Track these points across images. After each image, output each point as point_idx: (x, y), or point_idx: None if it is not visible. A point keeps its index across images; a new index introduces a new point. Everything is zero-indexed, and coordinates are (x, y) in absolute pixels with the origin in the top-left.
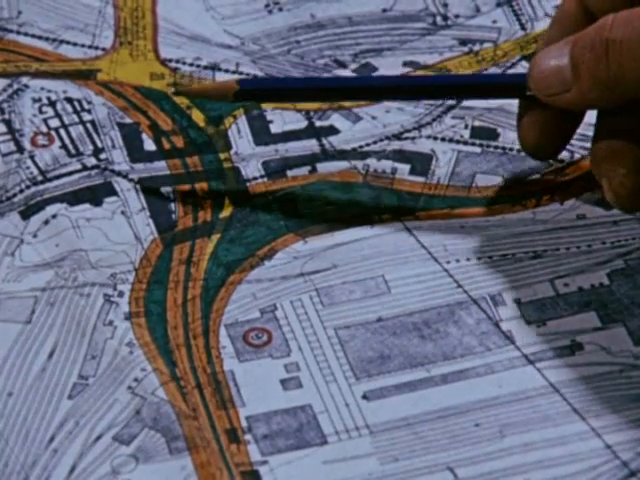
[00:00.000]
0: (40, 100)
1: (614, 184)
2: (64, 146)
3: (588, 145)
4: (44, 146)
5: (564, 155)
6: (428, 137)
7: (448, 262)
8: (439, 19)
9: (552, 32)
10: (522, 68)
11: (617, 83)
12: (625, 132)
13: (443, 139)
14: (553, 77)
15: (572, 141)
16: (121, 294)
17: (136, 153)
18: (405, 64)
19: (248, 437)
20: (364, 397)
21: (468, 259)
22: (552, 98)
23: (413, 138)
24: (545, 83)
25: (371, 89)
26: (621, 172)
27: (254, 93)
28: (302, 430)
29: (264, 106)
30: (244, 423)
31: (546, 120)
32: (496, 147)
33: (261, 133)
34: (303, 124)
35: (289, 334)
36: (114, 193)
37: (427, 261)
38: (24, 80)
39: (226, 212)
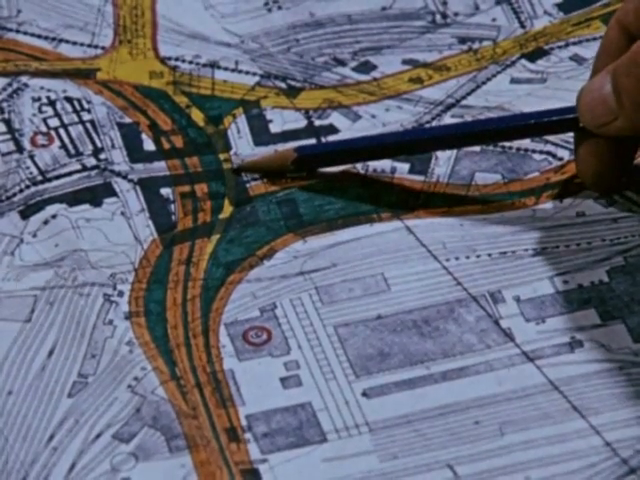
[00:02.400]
0: (40, 99)
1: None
2: (64, 146)
3: None
4: (44, 146)
5: (563, 153)
6: None
7: (447, 260)
8: (438, 17)
9: (599, 62)
10: (521, 66)
11: None
12: None
13: None
14: (599, 108)
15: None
16: (121, 294)
17: (136, 153)
18: (404, 62)
19: (248, 435)
20: (364, 395)
21: (467, 257)
22: (603, 129)
23: None
24: (593, 114)
25: (427, 140)
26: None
27: (313, 159)
28: (302, 428)
29: (263, 105)
30: (244, 422)
31: (603, 150)
32: (495, 145)
33: (260, 133)
34: (302, 123)
35: (289, 332)
36: (114, 194)
37: (426, 259)
38: (24, 79)
39: (226, 213)
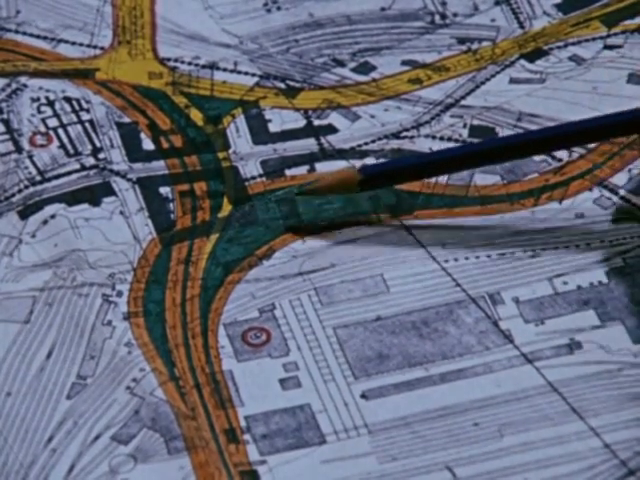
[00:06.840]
0: (38, 99)
1: None
2: (62, 146)
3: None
4: (42, 146)
5: (562, 154)
6: (427, 136)
7: (447, 261)
8: (437, 18)
9: None
10: (520, 66)
11: None
12: None
13: (442, 138)
14: None
15: None
16: (120, 294)
17: (135, 153)
18: (404, 63)
19: (247, 437)
20: (363, 396)
21: (467, 258)
22: None
23: (412, 137)
24: None
25: (494, 151)
26: None
27: (378, 177)
28: (301, 430)
29: (262, 105)
30: (243, 423)
31: None
32: None
33: (260, 132)
34: (301, 123)
35: (288, 333)
36: (113, 193)
37: (426, 260)
38: (22, 79)
39: (225, 211)
